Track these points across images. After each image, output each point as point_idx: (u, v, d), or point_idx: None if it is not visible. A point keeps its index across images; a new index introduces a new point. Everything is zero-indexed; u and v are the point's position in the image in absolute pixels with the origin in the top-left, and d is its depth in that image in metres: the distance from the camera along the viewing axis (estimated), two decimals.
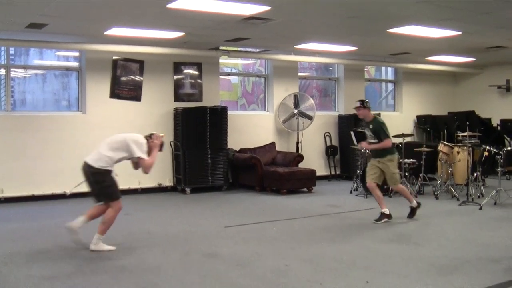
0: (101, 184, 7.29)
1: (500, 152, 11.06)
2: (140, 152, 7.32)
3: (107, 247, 7.31)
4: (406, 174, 12.00)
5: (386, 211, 9.18)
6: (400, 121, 16.51)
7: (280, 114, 14.09)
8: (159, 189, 12.75)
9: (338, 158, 15.25)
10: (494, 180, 12.11)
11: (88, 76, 12.05)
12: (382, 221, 9.09)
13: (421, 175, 12.01)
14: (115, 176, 7.44)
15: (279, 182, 12.25)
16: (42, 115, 11.82)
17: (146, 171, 7.50)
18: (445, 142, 12.17)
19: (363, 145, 9.49)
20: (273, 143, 13.93)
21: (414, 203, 9.38)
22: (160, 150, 7.66)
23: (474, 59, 15.25)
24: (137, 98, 12.56)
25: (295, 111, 13.92)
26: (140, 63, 12.53)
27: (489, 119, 16.25)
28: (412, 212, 9.40)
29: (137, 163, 7.54)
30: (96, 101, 12.13)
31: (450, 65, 16.42)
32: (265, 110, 14.64)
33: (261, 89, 14.91)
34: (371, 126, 9.23)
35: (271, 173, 12.41)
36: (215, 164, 12.69)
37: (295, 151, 14.10)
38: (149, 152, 7.49)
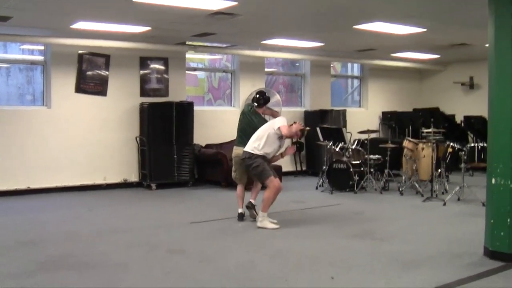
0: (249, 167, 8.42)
1: (464, 149, 11.17)
2: (279, 123, 8.39)
3: (271, 226, 8.29)
4: (371, 170, 12.07)
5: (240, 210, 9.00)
6: (365, 117, 16.59)
7: None
8: (125, 185, 12.63)
9: (304, 154, 15.26)
10: (457, 176, 12.20)
11: (53, 70, 11.88)
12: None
13: (386, 171, 12.04)
14: None
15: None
16: (6, 109, 11.61)
17: (285, 133, 8.41)
18: (410, 139, 12.24)
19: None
20: None
21: (240, 210, 9.01)
22: (300, 136, 9.03)
23: (438, 56, 15.38)
24: (103, 92, 12.41)
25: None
26: (106, 58, 12.38)
27: (453, 116, 16.41)
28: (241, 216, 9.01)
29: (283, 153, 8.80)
30: (61, 95, 11.96)
31: (415, 62, 16.55)
32: (231, 105, 14.59)
33: (227, 85, 14.86)
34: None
35: None
36: (181, 159, 12.63)
37: None
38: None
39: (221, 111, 14.35)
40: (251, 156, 8.30)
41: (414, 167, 11.78)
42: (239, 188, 9.11)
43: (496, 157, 6.59)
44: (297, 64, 16.27)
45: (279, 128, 8.32)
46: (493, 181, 6.59)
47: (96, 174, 12.34)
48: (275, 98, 14.27)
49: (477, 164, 11.95)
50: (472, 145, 11.85)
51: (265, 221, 8.32)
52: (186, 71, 13.81)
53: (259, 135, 8.40)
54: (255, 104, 9.26)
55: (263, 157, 8.36)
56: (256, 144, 8.32)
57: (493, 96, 6.65)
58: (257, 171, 8.33)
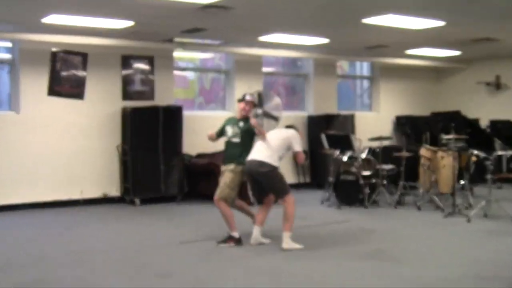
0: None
1: (490, 157, 11.12)
2: (299, 147, 8.62)
3: (297, 246, 8.28)
4: (384, 182, 12.08)
5: (236, 234, 8.64)
6: (377, 122, 16.65)
7: None
8: (104, 200, 12.60)
9: (308, 165, 15.27)
10: (483, 189, 12.15)
11: (22, 70, 11.88)
12: (227, 244, 8.55)
13: (400, 183, 12.05)
14: None
15: (241, 192, 12.15)
16: None
17: (300, 162, 8.91)
18: (427, 146, 12.21)
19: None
20: None
21: (236, 234, 8.60)
22: None
23: (459, 52, 15.38)
24: (80, 95, 12.40)
25: (259, 111, 13.72)
26: (83, 56, 12.38)
27: (477, 120, 16.39)
28: (226, 241, 8.58)
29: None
30: (31, 99, 11.96)
31: (432, 60, 16.58)
32: (225, 109, 14.57)
33: (220, 87, 14.87)
34: (240, 124, 9.04)
35: None
36: (169, 171, 12.64)
37: None
38: None
39: (214, 116, 14.23)
40: (274, 168, 8.34)
41: (432, 179, 11.76)
42: (227, 206, 8.61)
43: None
44: (299, 63, 16.30)
45: (297, 153, 8.63)
46: None
47: (72, 188, 12.31)
48: (275, 101, 14.18)
49: (505, 175, 11.94)
50: (500, 153, 11.79)
51: (291, 242, 8.31)
52: (174, 72, 13.86)
53: (275, 146, 8.47)
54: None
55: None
56: (275, 156, 8.39)
57: None
58: (281, 184, 8.45)
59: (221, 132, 9.13)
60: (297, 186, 14.93)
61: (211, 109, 14.96)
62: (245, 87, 14.20)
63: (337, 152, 12.38)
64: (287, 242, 8.26)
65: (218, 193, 8.61)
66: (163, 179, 12.60)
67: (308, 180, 15.31)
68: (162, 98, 13.21)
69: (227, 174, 8.69)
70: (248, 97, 9.18)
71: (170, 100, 13.38)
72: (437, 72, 18.19)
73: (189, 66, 14.90)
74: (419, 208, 11.47)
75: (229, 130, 8.99)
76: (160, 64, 13.33)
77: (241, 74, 14.52)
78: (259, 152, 8.43)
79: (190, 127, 13.19)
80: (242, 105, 9.14)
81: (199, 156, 13.44)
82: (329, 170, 12.91)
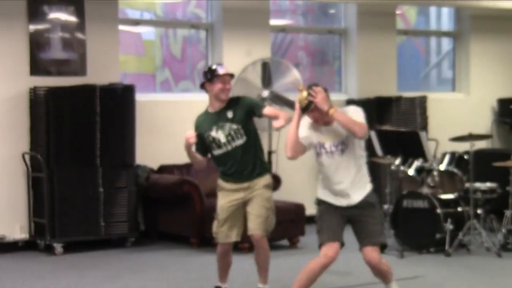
0: None
1: None
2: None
3: None
4: (479, 211, 11.97)
5: None
6: (465, 110, 16.76)
7: None
8: (1, 247, 12.44)
9: None
10: None
11: None
12: None
13: (508, 213, 11.91)
14: None
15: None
16: None
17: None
18: None
19: None
20: None
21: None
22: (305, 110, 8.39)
23: None
24: None
25: (265, 93, 13.72)
26: None
27: None
28: None
29: None
30: None
31: None
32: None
33: (199, 53, 15.00)
34: (229, 115, 8.88)
35: None
36: (113, 195, 12.58)
37: None
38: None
39: (188, 102, 14.13)
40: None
41: None
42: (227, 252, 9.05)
43: None
44: (331, 12, 16.32)
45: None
46: None
47: None
48: (292, 76, 14.01)
49: None
50: None
51: None
52: (120, 27, 13.86)
53: None
54: None
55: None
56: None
57: None
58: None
59: (203, 145, 8.99)
60: None
61: (184, 91, 15.06)
62: (240, 53, 14.00)
63: (398, 161, 12.31)
64: None
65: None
66: (104, 211, 12.50)
67: None
68: (100, 71, 13.14)
69: (263, 194, 8.89)
70: (222, 70, 8.97)
71: (114, 75, 13.33)
72: None
73: (144, 17, 14.87)
74: None
75: (220, 135, 8.84)
76: (95, 13, 13.21)
77: (234, 30, 14.49)
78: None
79: (148, 120, 13.24)
80: (219, 85, 8.86)
81: (163, 169, 13.46)
82: (383, 192, 12.86)
